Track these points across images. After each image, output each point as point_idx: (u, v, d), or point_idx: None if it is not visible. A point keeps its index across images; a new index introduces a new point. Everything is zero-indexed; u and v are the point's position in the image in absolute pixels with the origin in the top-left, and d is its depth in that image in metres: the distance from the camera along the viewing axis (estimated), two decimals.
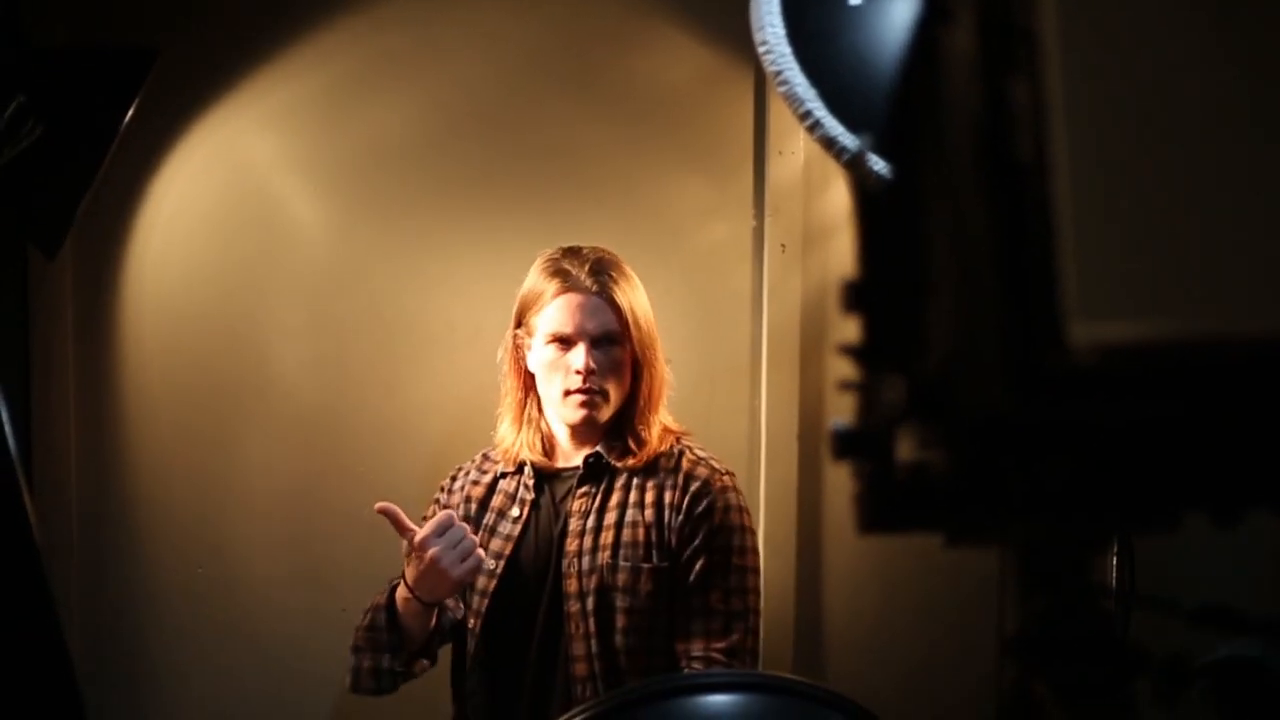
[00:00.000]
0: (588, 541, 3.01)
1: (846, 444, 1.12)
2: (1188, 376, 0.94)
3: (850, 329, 1.12)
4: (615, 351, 3.03)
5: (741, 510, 3.11)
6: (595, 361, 3.00)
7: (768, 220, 3.61)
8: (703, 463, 3.11)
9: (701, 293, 3.65)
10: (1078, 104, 0.94)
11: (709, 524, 3.04)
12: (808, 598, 3.67)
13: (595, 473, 3.08)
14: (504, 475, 3.17)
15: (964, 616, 3.36)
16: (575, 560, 3.00)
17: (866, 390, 1.05)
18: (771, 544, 3.59)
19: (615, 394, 3.05)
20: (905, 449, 1.07)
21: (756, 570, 3.11)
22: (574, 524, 3.04)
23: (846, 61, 1.90)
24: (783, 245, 3.60)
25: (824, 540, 3.68)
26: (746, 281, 3.66)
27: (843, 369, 1.11)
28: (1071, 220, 0.92)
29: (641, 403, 3.08)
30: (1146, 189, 0.95)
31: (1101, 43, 0.96)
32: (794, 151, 3.58)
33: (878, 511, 1.09)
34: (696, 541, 3.03)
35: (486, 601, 3.06)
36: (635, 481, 3.06)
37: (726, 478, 3.12)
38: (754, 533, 3.15)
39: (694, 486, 3.05)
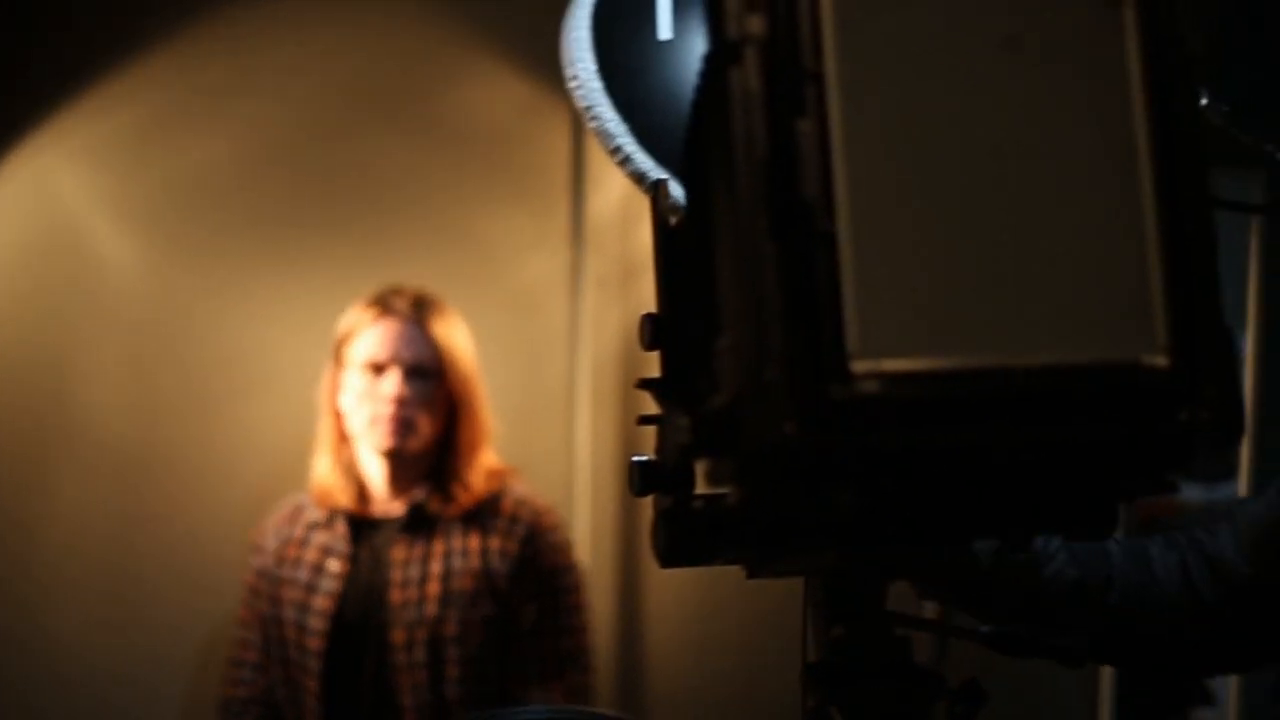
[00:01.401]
0: (414, 593, 2.95)
1: (646, 478, 1.14)
2: (971, 404, 0.97)
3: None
4: (429, 386, 3.00)
5: (568, 548, 3.11)
6: (407, 391, 2.97)
7: (587, 254, 3.62)
8: (526, 505, 3.09)
9: (520, 328, 3.65)
10: (860, 143, 0.97)
11: (537, 568, 3.02)
12: (629, 633, 3.68)
13: (418, 521, 3.02)
14: (317, 525, 3.10)
15: (781, 645, 3.39)
16: (402, 612, 2.95)
17: (663, 425, 1.06)
18: (593, 581, 3.60)
19: (426, 429, 3.00)
20: (703, 482, 1.09)
21: (586, 606, 3.11)
22: (398, 575, 2.98)
23: (657, 97, 1.92)
24: (602, 280, 3.62)
25: (645, 576, 3.70)
26: (566, 316, 3.67)
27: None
28: (855, 256, 0.94)
29: (462, 446, 3.04)
30: (930, 223, 0.98)
31: (884, 83, 0.99)
32: (613, 186, 3.60)
33: (676, 545, 1.10)
34: (527, 586, 3.01)
35: (320, 662, 3.00)
36: (460, 528, 3.01)
37: (550, 518, 3.11)
38: (580, 569, 3.15)
39: (520, 531, 3.02)
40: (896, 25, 1.00)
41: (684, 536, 1.09)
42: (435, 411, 3.01)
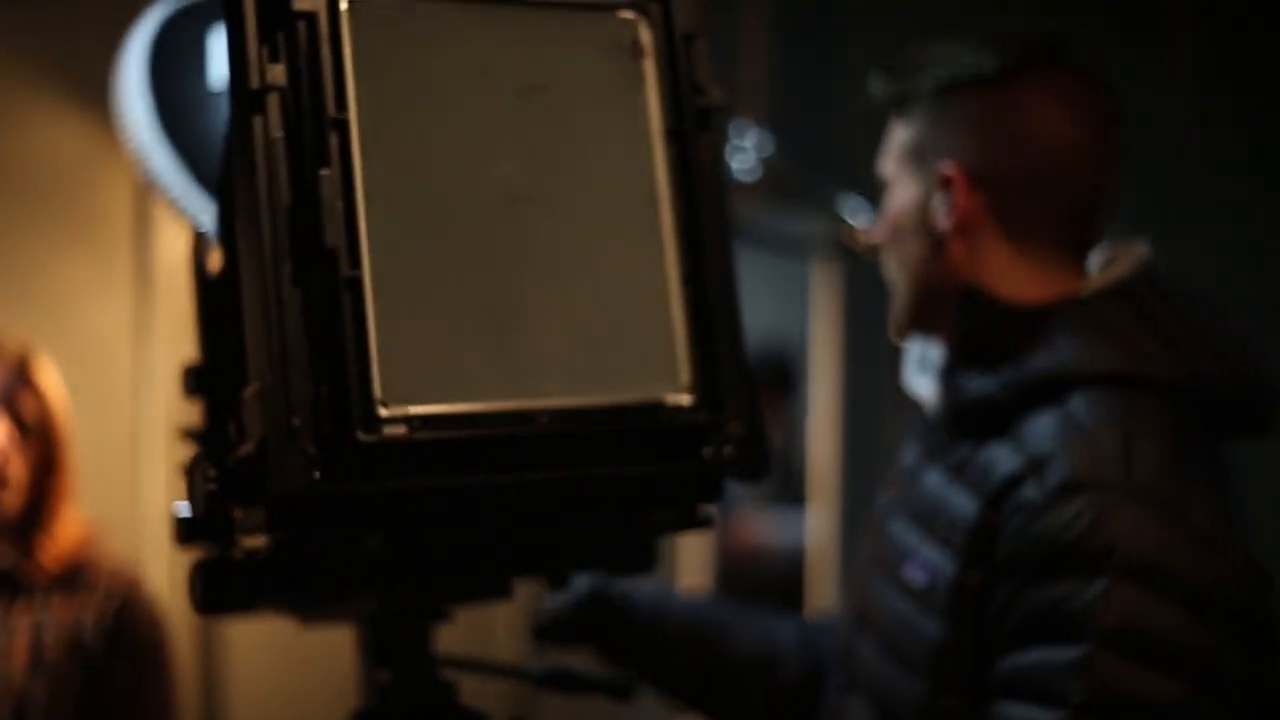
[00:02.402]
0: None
1: (189, 528, 1.12)
2: (498, 445, 0.99)
3: None
4: (28, 439, 2.86)
5: (159, 612, 2.99)
6: (10, 441, 2.82)
7: (157, 300, 3.53)
8: (120, 570, 2.96)
9: (84, 378, 3.52)
10: (383, 190, 0.98)
11: (132, 635, 2.90)
12: (212, 692, 3.60)
13: (3, 585, 2.88)
14: None
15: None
16: None
17: (192, 474, 1.05)
18: (175, 639, 3.50)
19: (21, 484, 2.86)
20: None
21: (177, 683, 3.01)
22: None
23: (211, 143, 1.89)
24: (175, 327, 3.53)
25: (228, 631, 3.62)
26: (132, 365, 3.57)
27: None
28: (379, 302, 0.95)
29: (53, 505, 2.90)
30: (455, 269, 1.00)
31: (408, 131, 1.00)
32: (183, 229, 3.52)
33: (213, 594, 1.09)
34: (121, 655, 2.89)
35: None
36: (50, 594, 2.87)
37: (142, 582, 3.00)
38: (170, 643, 3.04)
39: (115, 598, 2.89)
40: (420, 75, 1.02)
41: (220, 586, 1.08)
42: (30, 467, 2.85)
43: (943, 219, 1.56)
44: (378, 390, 0.94)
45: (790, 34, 3.92)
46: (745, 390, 1.09)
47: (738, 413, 1.08)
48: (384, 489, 0.96)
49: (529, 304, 1.01)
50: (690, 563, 3.79)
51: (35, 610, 2.83)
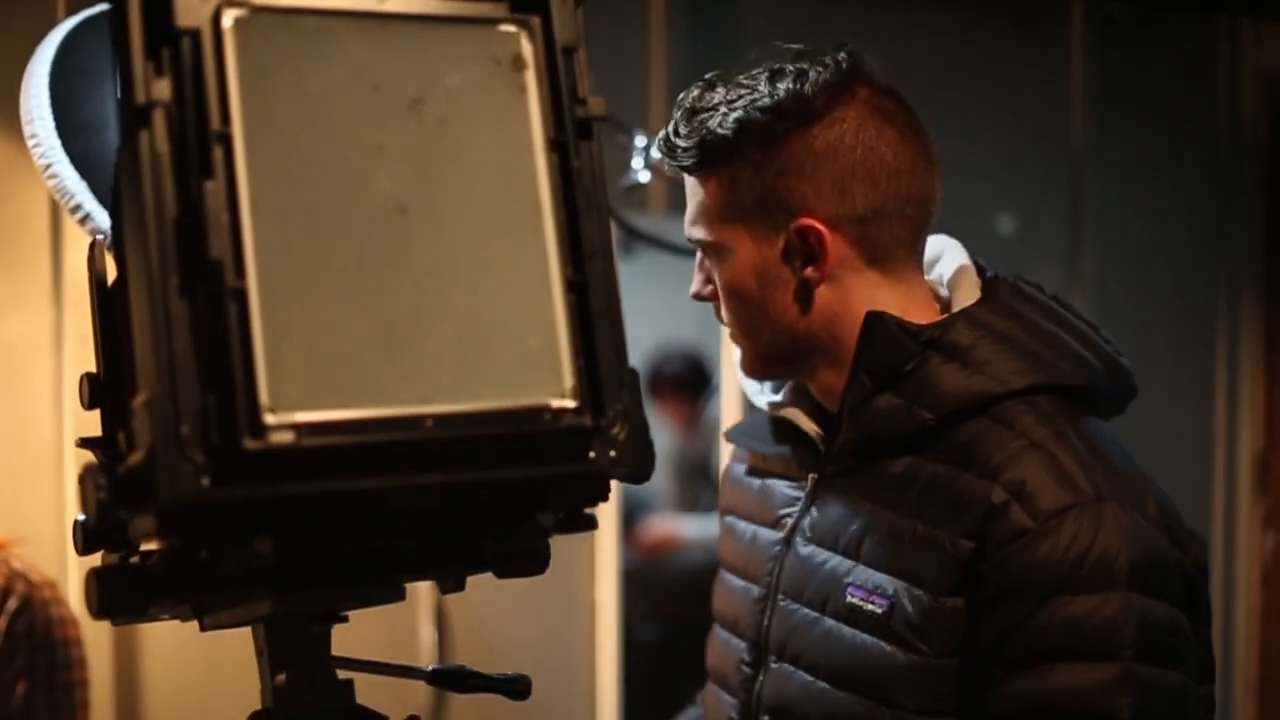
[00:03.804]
0: None
1: (88, 537, 1.14)
2: (384, 450, 1.01)
3: None
4: None
5: (67, 623, 2.97)
6: None
7: (69, 312, 3.52)
8: (21, 578, 2.94)
9: (7, 388, 3.51)
10: (268, 202, 1.00)
11: (30, 645, 2.88)
12: (129, 700, 3.59)
13: None
14: None
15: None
16: None
17: (84, 482, 1.06)
18: (92, 647, 3.49)
19: None
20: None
21: (86, 683, 2.99)
22: None
23: (116, 154, 1.89)
24: (86, 338, 3.52)
25: (146, 638, 3.61)
26: (52, 376, 3.55)
27: None
28: (265, 312, 0.98)
29: None
30: (339, 279, 1.02)
31: (292, 143, 1.03)
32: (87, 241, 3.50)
33: (109, 600, 1.10)
34: (17, 665, 2.87)
35: None
36: None
37: (48, 591, 2.96)
38: (81, 645, 3.01)
39: (11, 606, 2.88)
40: (305, 88, 1.04)
41: (116, 591, 1.10)
42: None
43: (810, 270, 1.55)
44: (264, 398, 0.97)
45: (690, 41, 3.95)
46: (628, 394, 1.12)
47: (621, 416, 1.11)
48: (272, 495, 0.98)
49: (415, 312, 1.03)
50: (602, 562, 3.82)
51: None
